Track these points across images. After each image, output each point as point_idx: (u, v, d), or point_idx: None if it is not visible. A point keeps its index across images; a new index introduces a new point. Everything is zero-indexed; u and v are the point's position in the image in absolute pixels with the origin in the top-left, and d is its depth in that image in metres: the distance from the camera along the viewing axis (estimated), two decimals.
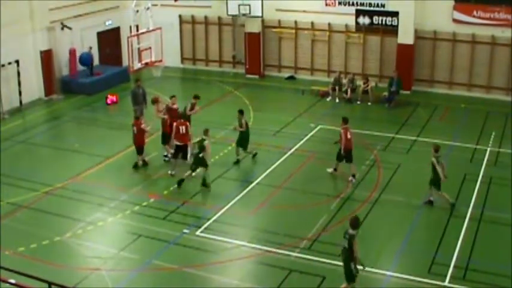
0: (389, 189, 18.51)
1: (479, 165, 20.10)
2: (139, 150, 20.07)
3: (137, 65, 23.72)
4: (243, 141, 20.31)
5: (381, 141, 22.29)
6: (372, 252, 14.62)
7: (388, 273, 14.29)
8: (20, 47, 26.26)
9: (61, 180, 19.13)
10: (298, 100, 27.40)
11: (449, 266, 14.45)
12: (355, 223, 12.73)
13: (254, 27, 30.26)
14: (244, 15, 29.59)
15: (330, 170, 19.45)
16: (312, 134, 23.06)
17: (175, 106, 20.83)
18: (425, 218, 17.06)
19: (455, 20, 27.13)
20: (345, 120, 19.08)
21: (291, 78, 30.44)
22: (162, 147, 20.72)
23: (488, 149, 21.44)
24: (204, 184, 18.49)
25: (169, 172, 19.57)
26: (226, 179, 19.23)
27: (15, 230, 16.33)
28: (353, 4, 28.44)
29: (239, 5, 29.35)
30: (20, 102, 26.38)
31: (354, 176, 19.00)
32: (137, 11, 23.94)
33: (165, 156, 20.63)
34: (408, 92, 27.71)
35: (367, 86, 26.95)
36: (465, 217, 16.75)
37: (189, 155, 19.22)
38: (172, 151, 20.33)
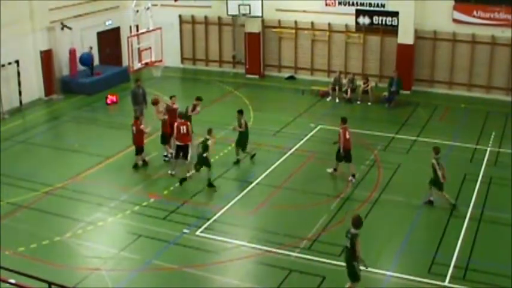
0: (389, 189, 18.51)
1: (479, 165, 20.10)
2: (139, 150, 20.06)
3: (137, 65, 23.72)
4: (242, 141, 20.30)
5: (381, 141, 22.29)
6: (372, 252, 14.60)
7: (388, 273, 14.29)
8: (20, 47, 26.26)
9: (61, 180, 19.14)
10: (298, 100, 27.40)
11: (449, 266, 14.45)
12: (358, 222, 12.71)
13: (254, 27, 30.26)
14: (244, 15, 29.59)
15: (329, 170, 19.45)
16: (312, 134, 23.07)
17: (175, 106, 20.83)
18: (425, 218, 17.06)
19: (455, 20, 27.13)
20: (344, 120, 19.09)
21: (291, 78, 30.45)
22: (162, 147, 20.72)
23: (488, 149, 21.44)
24: (210, 185, 18.46)
25: (169, 172, 19.58)
26: (226, 179, 19.23)
27: (15, 230, 16.34)
28: (353, 4, 28.44)
29: (239, 5, 29.35)
30: (20, 102, 26.38)
31: (353, 175, 19.01)
32: (137, 11, 23.94)
33: (165, 156, 20.63)
34: (408, 92, 27.71)
35: (367, 86, 26.95)
36: (465, 217, 16.76)
37: (189, 155, 19.23)
38: (172, 151, 20.35)
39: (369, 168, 20.05)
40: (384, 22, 27.57)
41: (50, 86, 27.66)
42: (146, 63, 24.08)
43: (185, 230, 16.19)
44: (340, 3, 28.82)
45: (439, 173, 16.87)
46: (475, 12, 26.69)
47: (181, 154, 19.27)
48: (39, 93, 27.49)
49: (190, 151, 19.32)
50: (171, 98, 21.27)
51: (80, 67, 28.90)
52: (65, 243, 15.67)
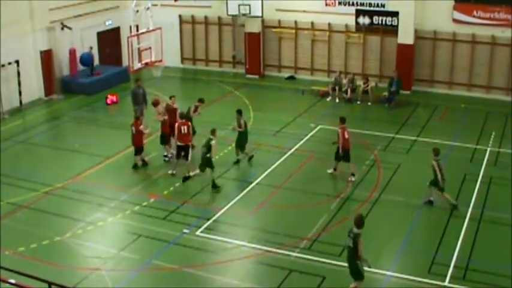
0: (389, 189, 18.51)
1: (479, 165, 20.10)
2: (138, 150, 20.05)
3: (137, 65, 23.73)
4: (241, 141, 20.31)
5: (381, 141, 22.29)
6: (372, 252, 14.59)
7: (388, 273, 14.29)
8: (20, 47, 26.27)
9: (61, 180, 19.14)
10: (298, 100, 27.40)
11: (449, 266, 14.45)
12: (360, 222, 12.71)
13: (254, 27, 30.26)
14: (244, 15, 29.59)
15: (329, 170, 19.46)
16: (312, 134, 23.07)
17: (175, 106, 20.83)
18: (425, 218, 17.06)
19: (455, 20, 27.13)
20: (342, 120, 19.13)
21: (291, 78, 30.45)
22: (162, 148, 20.71)
23: (488, 149, 21.44)
24: (214, 186, 18.43)
25: (169, 172, 19.58)
26: (226, 179, 19.23)
27: (15, 230, 16.33)
28: (353, 4, 28.44)
29: (239, 5, 29.35)
30: (20, 102, 26.38)
31: (353, 174, 19.02)
32: (137, 11, 23.95)
33: (165, 156, 20.62)
34: (408, 92, 27.71)
35: (367, 86, 26.96)
36: (465, 217, 16.76)
37: (189, 155, 19.23)
38: (172, 151, 20.36)
39: (369, 168, 20.05)
40: (383, 22, 27.57)
41: (50, 86, 27.67)
42: (146, 63, 24.09)
43: (185, 230, 16.19)
44: (340, 3, 28.82)
45: (438, 176, 16.87)
46: (475, 12, 26.69)
47: (182, 154, 19.27)
48: (39, 93, 27.49)
49: (190, 151, 19.34)
50: (170, 98, 21.29)
51: (80, 67, 28.90)
52: (65, 243, 15.67)
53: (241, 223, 16.84)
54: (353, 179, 18.96)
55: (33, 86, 27.14)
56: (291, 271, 14.38)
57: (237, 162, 20.35)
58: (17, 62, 25.88)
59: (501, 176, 19.37)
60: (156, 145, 20.97)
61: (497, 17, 26.34)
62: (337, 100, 27.09)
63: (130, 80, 28.84)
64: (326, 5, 29.09)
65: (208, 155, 18.22)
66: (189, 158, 19.26)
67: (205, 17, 31.63)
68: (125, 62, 30.22)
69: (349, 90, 26.98)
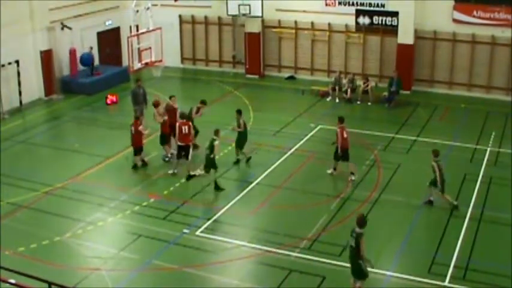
0: (389, 189, 18.51)
1: (479, 165, 20.10)
2: (137, 150, 20.05)
3: (137, 65, 23.74)
4: (240, 141, 20.32)
5: (381, 141, 22.29)
6: (372, 252, 14.57)
7: (388, 273, 14.29)
8: (20, 47, 26.27)
9: (61, 180, 19.14)
10: (298, 100, 27.40)
11: (449, 266, 14.45)
12: (362, 221, 12.73)
13: (254, 27, 30.26)
14: (244, 15, 29.59)
15: (329, 171, 19.46)
16: (312, 134, 23.07)
17: (175, 106, 20.84)
18: (425, 218, 17.07)
19: (455, 20, 27.13)
20: (341, 120, 19.19)
21: (291, 78, 30.45)
22: (162, 148, 20.70)
23: (488, 149, 21.44)
24: (217, 187, 18.41)
25: (170, 171, 19.59)
26: (226, 179, 19.22)
27: (15, 230, 16.33)
28: (353, 4, 28.44)
29: (239, 5, 29.35)
30: (20, 102, 26.38)
31: (352, 173, 19.04)
32: (137, 11, 23.95)
33: (165, 156, 20.61)
34: (408, 92, 27.71)
35: (367, 86, 26.96)
36: (465, 217, 16.76)
37: (190, 155, 19.24)
38: (172, 151, 20.37)
39: (369, 168, 20.05)
40: (383, 22, 27.57)
41: (50, 86, 27.67)
42: (146, 63, 24.10)
43: (185, 230, 16.19)
44: (340, 3, 28.82)
45: (437, 178, 16.88)
46: (475, 12, 26.69)
47: (182, 154, 19.28)
48: (39, 93, 27.49)
49: (191, 151, 19.35)
50: (170, 98, 21.30)
51: (80, 67, 28.90)
52: (65, 243, 15.67)
53: (241, 223, 16.84)
54: (353, 177, 18.99)
55: (33, 86, 27.14)
56: (291, 271, 14.38)
57: (237, 162, 20.35)
58: (17, 62, 25.87)
59: (501, 176, 19.37)
60: (155, 145, 20.97)
61: (497, 17, 26.34)
62: (337, 100, 27.09)
63: (130, 80, 28.86)
64: (326, 5, 29.09)
65: (212, 156, 18.21)
66: (190, 157, 19.27)
67: (205, 17, 31.63)
68: (125, 62, 30.22)
69: (349, 90, 26.98)
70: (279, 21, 30.18)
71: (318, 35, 29.72)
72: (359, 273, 12.85)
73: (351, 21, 28.44)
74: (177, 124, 19.37)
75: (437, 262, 14.67)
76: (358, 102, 26.86)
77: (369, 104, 26.64)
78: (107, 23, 30.82)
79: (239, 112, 20.35)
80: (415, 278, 14.09)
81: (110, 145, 21.97)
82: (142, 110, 22.64)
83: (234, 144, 20.67)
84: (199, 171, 18.73)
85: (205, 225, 16.47)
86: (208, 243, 15.65)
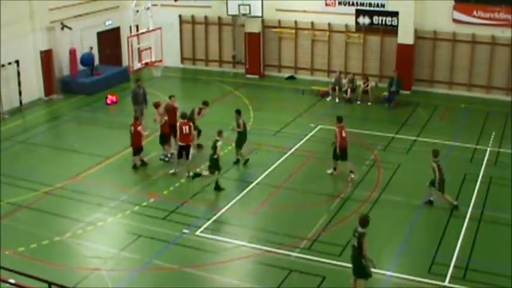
0: (389, 189, 18.51)
1: (479, 165, 20.10)
2: (136, 151, 20.04)
3: (137, 65, 23.73)
4: (240, 141, 20.33)
5: (381, 141, 22.29)
6: (372, 252, 14.55)
7: (388, 273, 14.29)
8: (20, 47, 26.27)
9: (61, 180, 19.13)
10: (298, 100, 27.40)
11: (449, 266, 14.45)
12: (365, 221, 12.74)
13: (254, 27, 30.26)
14: (244, 15, 29.59)
15: (329, 171, 19.46)
16: (312, 134, 23.07)
17: (175, 105, 20.85)
18: (425, 218, 17.07)
19: (455, 20, 27.13)
20: (340, 119, 19.25)
21: (291, 78, 30.45)
22: (162, 148, 20.70)
23: (488, 149, 21.44)
24: (217, 187, 18.43)
25: (171, 171, 19.58)
26: (226, 179, 19.21)
27: (15, 230, 16.34)
28: (353, 4, 28.44)
29: (239, 5, 29.35)
30: (20, 102, 26.38)
31: (352, 172, 19.06)
32: (137, 11, 23.95)
33: (165, 156, 20.61)
34: (408, 92, 27.71)
35: (367, 86, 26.96)
36: (465, 217, 16.76)
37: (190, 155, 19.25)
38: (172, 151, 20.39)
39: (369, 168, 20.05)
40: (383, 22, 27.57)
41: (50, 86, 27.66)
42: (146, 63, 24.09)
43: (185, 230, 16.18)
44: (340, 3, 28.82)
45: (436, 178, 16.88)
46: (475, 12, 26.69)
47: (183, 154, 19.28)
48: (39, 93, 27.48)
49: (191, 150, 19.35)
50: (170, 97, 21.29)
51: (80, 67, 28.90)
52: (65, 243, 15.67)
53: (241, 223, 16.84)
54: (352, 175, 19.03)
55: (33, 86, 27.13)
56: (291, 271, 14.38)
57: (237, 162, 20.35)
58: (17, 62, 25.87)
59: (501, 176, 19.37)
60: (155, 145, 20.96)
61: (497, 17, 26.34)
62: (337, 100, 27.09)
63: (130, 80, 28.87)
64: (326, 5, 29.09)
65: (215, 157, 18.22)
66: (190, 157, 19.28)
67: (205, 17, 31.63)
68: (125, 62, 30.23)
69: (349, 90, 26.98)
70: (279, 21, 30.18)
71: (318, 35, 29.72)
72: (362, 272, 12.86)
73: (351, 21, 28.44)
74: (178, 124, 19.39)
75: (437, 262, 14.68)
76: (358, 102, 26.86)
77: (369, 104, 26.64)
78: (107, 23, 30.82)
79: (238, 112, 20.35)
80: (415, 278, 14.10)
81: (110, 145, 21.96)
82: (142, 110, 22.66)
83: (234, 144, 20.67)
84: (205, 172, 18.72)
85: (205, 225, 16.47)
86: (208, 243, 15.65)
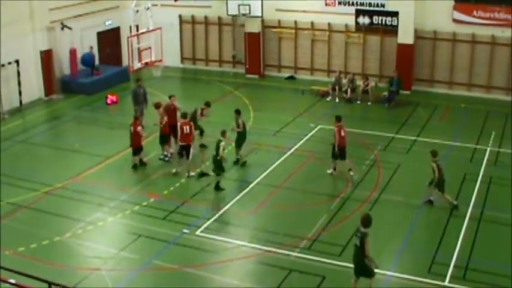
0: (389, 189, 18.51)
1: (479, 165, 20.10)
2: (136, 151, 20.04)
3: (137, 65, 23.75)
4: (239, 141, 20.33)
5: (381, 141, 22.29)
6: (372, 252, 14.57)
7: (388, 273, 14.28)
8: (20, 47, 26.27)
9: (61, 180, 19.14)
10: (298, 100, 27.40)
11: (449, 266, 14.46)
12: (367, 221, 12.73)
13: (254, 27, 30.26)
14: (244, 15, 29.59)
15: (329, 171, 19.47)
16: (311, 134, 23.07)
17: (175, 104, 20.85)
18: (425, 218, 17.07)
19: (455, 20, 27.14)
20: (338, 119, 19.31)
21: (291, 78, 30.45)
22: (161, 147, 20.70)
23: (488, 149, 21.44)
24: (217, 187, 18.43)
25: (173, 171, 19.58)
26: (226, 179, 19.20)
27: (15, 230, 16.33)
28: (353, 4, 28.44)
29: (239, 5, 29.35)
30: (20, 102, 26.38)
31: (350, 170, 19.10)
32: (137, 11, 23.97)
33: (165, 156, 20.61)
34: (408, 92, 27.71)
35: (367, 85, 26.96)
36: (465, 217, 16.76)
37: (190, 155, 19.25)
38: (171, 151, 20.40)
39: (369, 168, 20.05)
40: (383, 22, 27.57)
41: (50, 86, 27.66)
42: (146, 63, 24.12)
43: (185, 230, 16.18)
44: (340, 3, 28.82)
45: (436, 177, 16.88)
46: (475, 12, 26.69)
47: (184, 153, 19.29)
48: (39, 93, 27.49)
49: (192, 151, 19.36)
50: (170, 97, 21.30)
51: (81, 67, 28.91)
52: (65, 243, 15.67)
53: (241, 223, 16.84)
54: (352, 173, 19.04)
55: (33, 86, 27.14)
56: (291, 271, 14.38)
57: (237, 162, 20.35)
58: (17, 62, 25.87)
59: (501, 175, 19.37)
60: (155, 145, 20.97)
61: (497, 17, 26.34)
62: (337, 100, 27.09)
63: (130, 80, 28.86)
64: (326, 4, 29.09)
65: (218, 157, 18.21)
66: (190, 157, 19.29)
67: (205, 17, 31.63)
68: (125, 62, 30.23)
69: (349, 90, 26.98)
70: (279, 21, 30.18)
71: (318, 35, 29.71)
72: (365, 272, 12.86)
73: (350, 21, 28.44)
74: (179, 124, 19.39)
75: (437, 262, 14.68)
76: (358, 102, 26.86)
77: (369, 103, 26.64)
78: (106, 23, 30.82)
79: (238, 112, 20.36)
80: (415, 278, 14.10)
81: (110, 145, 21.96)
82: (142, 110, 22.69)
83: (233, 144, 20.67)
84: (211, 173, 18.72)
85: (205, 225, 16.47)
86: (208, 243, 15.65)
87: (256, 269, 14.82)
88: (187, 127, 19.22)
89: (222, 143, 18.22)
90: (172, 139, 20.55)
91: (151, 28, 24.16)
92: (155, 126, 20.69)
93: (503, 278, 14.03)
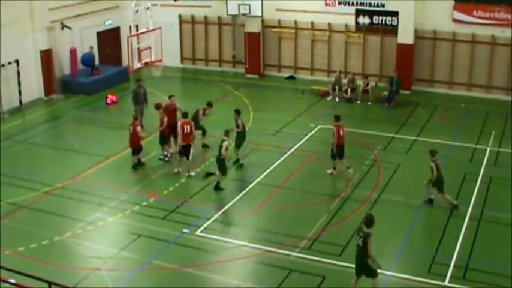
0: (389, 189, 18.51)
1: (479, 165, 20.10)
2: (135, 151, 20.04)
3: (137, 65, 23.75)
4: (239, 141, 20.34)
5: (381, 141, 22.29)
6: (373, 252, 14.59)
7: (388, 273, 14.26)
8: (20, 47, 26.26)
9: (61, 180, 19.13)
10: (298, 100, 27.40)
11: (449, 266, 14.45)
12: (370, 221, 12.72)
13: (254, 27, 30.26)
14: (244, 15, 29.59)
15: (329, 171, 19.47)
16: (311, 133, 23.07)
17: (175, 104, 20.86)
18: (425, 218, 17.07)
19: (455, 20, 27.14)
20: (337, 118, 19.36)
21: (291, 78, 30.45)
22: (161, 147, 20.70)
23: (488, 149, 21.44)
24: (217, 187, 18.42)
25: (174, 170, 19.58)
26: (226, 179, 19.18)
27: (15, 230, 16.33)
28: (353, 4, 28.44)
29: (239, 5, 29.34)
30: (20, 102, 26.38)
31: (348, 167, 19.14)
32: (137, 11, 23.97)
33: (165, 156, 20.62)
34: (408, 92, 27.71)
35: (367, 85, 26.96)
36: (465, 217, 16.76)
37: (191, 154, 19.25)
38: (171, 151, 20.40)
39: (369, 168, 20.05)
40: (383, 22, 27.57)
41: (50, 86, 27.66)
42: (146, 63, 24.11)
43: (185, 230, 16.18)
44: (340, 3, 28.82)
45: (434, 176, 16.88)
46: (475, 12, 26.69)
47: (184, 153, 19.28)
48: (39, 93, 27.48)
49: (192, 150, 19.36)
50: (170, 97, 21.29)
51: (80, 67, 28.91)
52: (65, 243, 15.67)
53: (241, 223, 16.85)
54: (350, 171, 19.05)
55: (33, 86, 27.13)
56: (291, 271, 14.37)
57: (237, 161, 20.35)
58: (17, 61, 25.87)
59: (501, 175, 19.37)
60: (155, 145, 20.97)
61: (497, 16, 26.35)
62: (337, 100, 27.09)
63: (130, 80, 28.86)
64: (326, 4, 29.09)
65: (222, 158, 18.20)
66: (190, 157, 19.28)
67: (205, 17, 31.63)
68: (125, 62, 30.23)
69: (349, 90, 26.98)
70: (279, 21, 30.18)
71: (318, 35, 29.72)
72: (368, 272, 12.85)
73: (350, 21, 28.44)
74: (179, 124, 19.39)
75: (437, 262, 14.67)
76: (358, 102, 26.86)
77: (369, 103, 26.64)
78: (106, 23, 30.82)
79: (237, 112, 20.36)
80: (415, 278, 14.09)
81: (110, 145, 21.96)
82: (142, 110, 22.69)
83: (233, 144, 20.66)
84: (217, 172, 18.71)
85: (205, 225, 16.47)
86: (208, 243, 15.65)
87: (256, 269, 14.82)
88: (188, 127, 19.23)
89: (225, 143, 18.22)
90: (172, 139, 20.55)
91: (151, 28, 24.16)
92: (155, 126, 20.66)
93: (503, 278, 14.02)
